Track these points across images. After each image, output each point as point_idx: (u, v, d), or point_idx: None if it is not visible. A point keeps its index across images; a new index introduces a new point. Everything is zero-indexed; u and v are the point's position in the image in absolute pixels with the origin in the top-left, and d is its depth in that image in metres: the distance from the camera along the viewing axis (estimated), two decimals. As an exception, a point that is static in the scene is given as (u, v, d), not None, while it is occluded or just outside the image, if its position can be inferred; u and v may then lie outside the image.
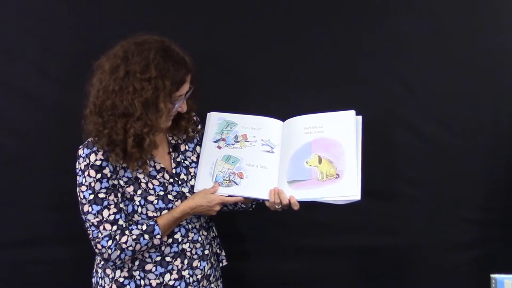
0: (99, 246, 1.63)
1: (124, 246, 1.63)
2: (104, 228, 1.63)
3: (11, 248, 2.08)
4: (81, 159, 1.65)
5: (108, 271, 1.72)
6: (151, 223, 1.66)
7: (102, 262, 1.73)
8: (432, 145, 2.20)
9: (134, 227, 1.66)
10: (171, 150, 1.80)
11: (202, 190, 1.74)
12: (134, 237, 1.64)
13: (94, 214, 1.63)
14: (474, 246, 2.23)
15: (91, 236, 1.64)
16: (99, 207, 1.63)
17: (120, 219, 1.64)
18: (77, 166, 1.66)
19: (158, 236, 1.66)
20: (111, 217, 1.64)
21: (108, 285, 1.71)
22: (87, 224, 1.65)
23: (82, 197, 1.64)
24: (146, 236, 1.65)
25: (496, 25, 2.18)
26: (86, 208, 1.64)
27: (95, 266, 1.78)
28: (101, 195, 1.64)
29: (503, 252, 2.20)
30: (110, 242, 1.63)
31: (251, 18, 2.14)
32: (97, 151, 1.64)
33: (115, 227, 1.63)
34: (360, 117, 1.79)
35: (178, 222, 1.71)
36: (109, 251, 1.62)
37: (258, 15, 2.14)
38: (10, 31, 2.05)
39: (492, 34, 2.18)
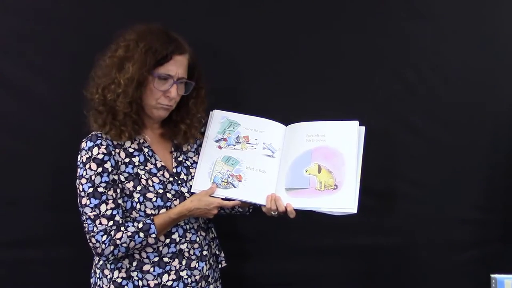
0: (93, 240, 1.63)
1: (118, 242, 1.63)
2: (100, 223, 1.63)
3: (11, 248, 2.08)
4: (83, 152, 1.66)
5: (106, 271, 1.71)
6: (148, 221, 1.66)
7: (101, 263, 1.73)
8: (432, 145, 2.20)
9: (130, 224, 1.65)
10: (173, 149, 1.80)
11: (200, 192, 1.74)
12: (129, 234, 1.64)
13: (92, 208, 1.63)
14: (474, 246, 2.23)
15: (86, 229, 1.64)
16: (97, 201, 1.63)
17: (117, 215, 1.64)
18: (78, 159, 1.67)
19: (153, 235, 1.65)
20: (108, 212, 1.64)
21: (106, 285, 1.70)
22: (84, 217, 1.65)
23: (81, 189, 1.65)
24: (141, 234, 1.64)
25: (496, 25, 2.19)
26: (84, 201, 1.64)
27: (93, 266, 1.78)
28: (100, 189, 1.64)
29: (503, 252, 2.20)
30: (105, 237, 1.62)
31: (252, 18, 2.15)
32: (100, 145, 1.65)
33: (111, 223, 1.63)
34: (363, 128, 1.77)
35: (175, 223, 1.71)
36: (103, 246, 1.62)
37: (260, 14, 2.15)
38: (9, 31, 2.05)
39: (492, 34, 2.19)
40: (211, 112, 1.87)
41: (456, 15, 2.17)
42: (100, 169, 1.64)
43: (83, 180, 1.64)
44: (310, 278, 2.22)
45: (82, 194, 1.64)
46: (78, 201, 1.66)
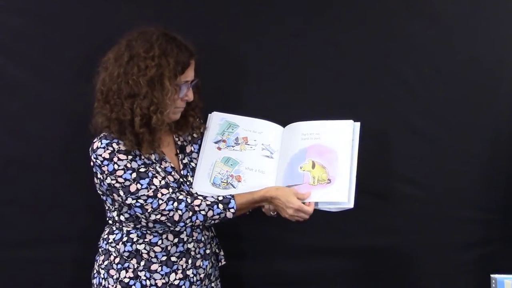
0: (165, 212, 1.62)
1: (197, 208, 1.63)
2: (162, 194, 1.62)
3: (11, 248, 2.08)
4: (100, 150, 1.63)
5: (112, 272, 1.70)
6: (228, 196, 1.67)
7: (106, 263, 1.72)
8: (432, 145, 2.20)
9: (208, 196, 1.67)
10: (178, 151, 1.81)
11: (292, 188, 1.73)
12: (208, 202, 1.64)
13: (146, 187, 1.62)
14: (474, 246, 2.23)
15: (150, 209, 1.62)
16: (147, 180, 1.63)
17: (171, 184, 1.65)
18: (97, 158, 1.64)
19: (232, 210, 1.66)
20: (163, 182, 1.64)
21: (113, 285, 1.70)
22: (141, 201, 1.61)
23: (122, 180, 1.62)
24: (221, 206, 1.65)
25: (496, 25, 2.18)
26: (133, 187, 1.62)
27: (96, 267, 1.77)
28: (142, 170, 1.63)
29: (503, 252, 2.20)
30: (176, 204, 1.62)
31: (251, 17, 2.14)
32: (118, 142, 1.64)
33: (171, 190, 1.64)
34: (358, 124, 1.80)
35: (255, 205, 1.72)
36: (179, 212, 1.62)
37: (259, 14, 2.14)
38: (10, 31, 2.04)
39: (492, 34, 2.18)
40: (210, 114, 1.88)
41: (456, 15, 2.17)
42: (130, 157, 1.63)
43: (120, 172, 1.62)
44: (308, 278, 2.22)
45: (127, 183, 1.62)
46: (123, 194, 1.62)
